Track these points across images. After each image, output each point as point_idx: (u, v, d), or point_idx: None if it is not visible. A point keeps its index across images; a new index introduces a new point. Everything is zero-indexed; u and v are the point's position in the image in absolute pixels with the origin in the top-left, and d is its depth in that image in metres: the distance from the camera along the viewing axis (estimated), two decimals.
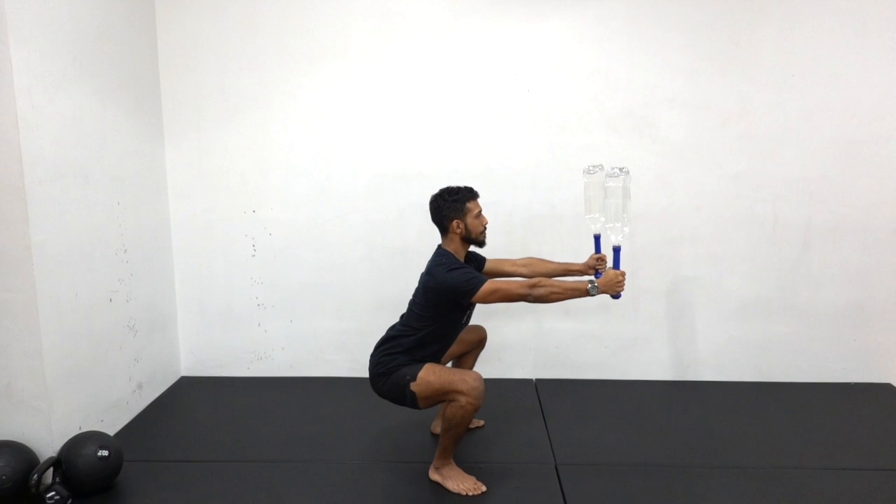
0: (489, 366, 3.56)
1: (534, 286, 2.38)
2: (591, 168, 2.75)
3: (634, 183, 3.39)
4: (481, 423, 3.02)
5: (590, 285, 2.40)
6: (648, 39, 3.31)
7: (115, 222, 2.98)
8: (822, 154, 3.36)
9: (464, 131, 3.40)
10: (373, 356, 2.59)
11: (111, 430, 2.89)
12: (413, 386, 2.42)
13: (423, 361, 2.50)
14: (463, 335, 2.81)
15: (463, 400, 2.36)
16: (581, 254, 3.47)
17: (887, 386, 3.48)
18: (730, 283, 3.49)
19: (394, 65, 3.36)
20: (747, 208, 3.42)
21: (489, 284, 2.38)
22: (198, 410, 3.27)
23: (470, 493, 2.44)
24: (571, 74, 3.36)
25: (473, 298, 2.40)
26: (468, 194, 2.55)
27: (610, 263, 2.57)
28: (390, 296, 3.50)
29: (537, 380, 3.56)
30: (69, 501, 2.38)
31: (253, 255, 3.53)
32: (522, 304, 3.46)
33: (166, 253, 3.48)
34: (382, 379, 2.52)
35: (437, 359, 2.59)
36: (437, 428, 2.88)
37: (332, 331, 3.59)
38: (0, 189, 2.38)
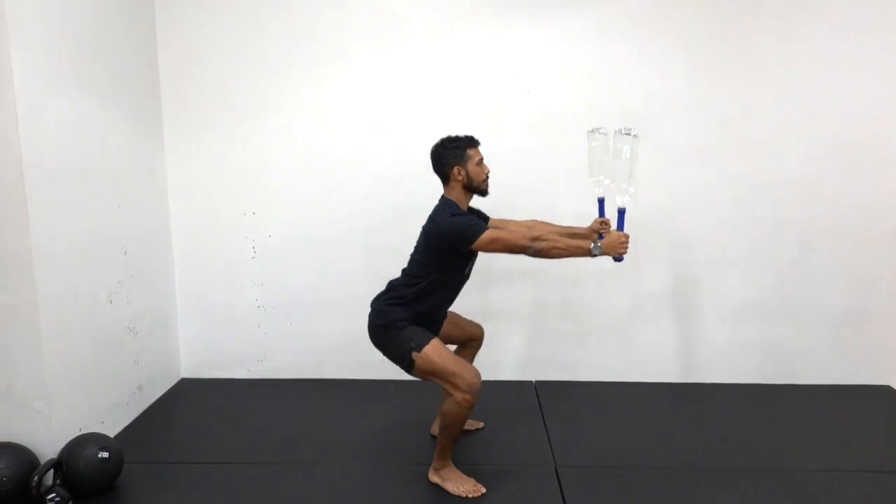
0: (489, 367, 3.54)
1: (536, 239, 2.36)
2: (595, 130, 2.70)
3: (635, 185, 3.41)
4: (481, 424, 3.02)
5: (592, 245, 2.39)
6: (649, 42, 3.31)
7: (116, 224, 2.98)
8: (821, 156, 3.37)
9: (464, 134, 3.39)
10: (373, 304, 2.58)
11: (111, 432, 2.89)
12: (415, 355, 2.42)
13: (423, 314, 2.49)
14: (463, 322, 2.81)
15: (458, 396, 2.37)
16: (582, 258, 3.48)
17: (887, 388, 3.48)
18: (730, 285, 3.49)
19: (394, 67, 3.36)
20: (747, 210, 3.42)
21: (491, 233, 2.37)
22: (198, 412, 3.26)
23: (470, 495, 2.44)
24: (572, 77, 3.36)
25: (474, 245, 2.37)
26: (469, 142, 2.53)
27: (614, 226, 2.54)
28: None
29: (537, 381, 3.56)
30: (69, 503, 2.38)
31: (253, 257, 3.53)
32: (522, 303, 3.51)
33: (166, 254, 3.48)
34: (383, 331, 2.52)
35: (438, 311, 2.58)
36: (436, 429, 2.88)
37: (332, 333, 3.58)
38: (0, 190, 2.38)
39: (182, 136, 3.44)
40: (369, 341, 3.54)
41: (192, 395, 3.46)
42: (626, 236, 2.45)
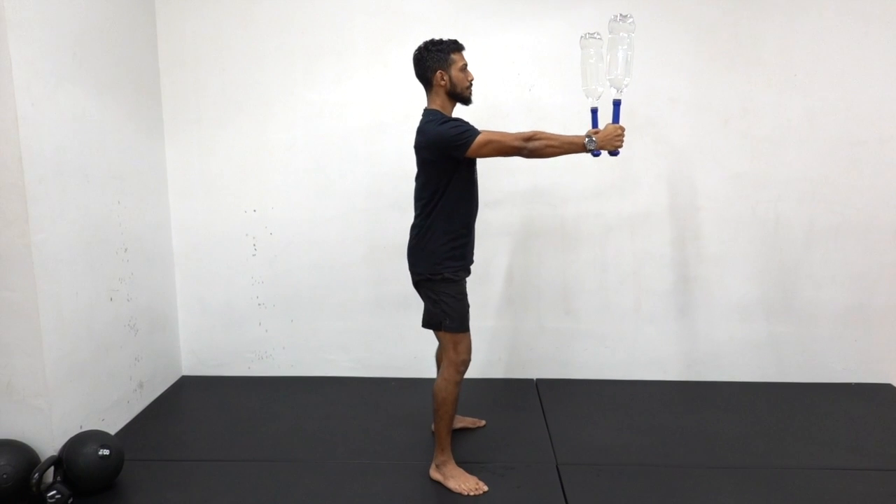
0: (490, 366, 3.56)
1: (529, 139, 2.31)
2: (589, 35, 2.58)
3: (636, 182, 3.41)
4: (482, 422, 3.02)
5: (587, 139, 2.33)
6: (651, 39, 3.30)
7: (116, 221, 2.97)
8: (824, 154, 3.36)
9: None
10: (411, 247, 2.53)
11: (112, 430, 2.89)
12: (446, 328, 2.44)
13: (456, 240, 2.44)
14: None
15: (447, 372, 2.44)
16: (583, 252, 3.48)
17: (888, 386, 3.48)
18: (731, 283, 3.48)
19: (394, 63, 3.35)
20: (749, 208, 3.42)
21: (483, 136, 2.30)
22: (198, 410, 3.26)
23: (471, 493, 2.44)
24: (573, 73, 3.33)
25: (468, 152, 2.31)
26: (453, 45, 2.45)
27: (609, 120, 2.46)
28: (391, 295, 3.50)
29: (538, 379, 3.56)
30: (70, 500, 2.38)
31: (253, 255, 3.53)
32: (524, 301, 3.50)
33: (167, 252, 3.47)
34: (426, 284, 2.48)
35: (468, 232, 2.50)
36: None
37: (333, 330, 3.58)
38: (0, 187, 2.37)
39: (182, 133, 3.43)
40: (370, 339, 3.57)
41: (192, 392, 3.45)
42: (622, 128, 2.38)
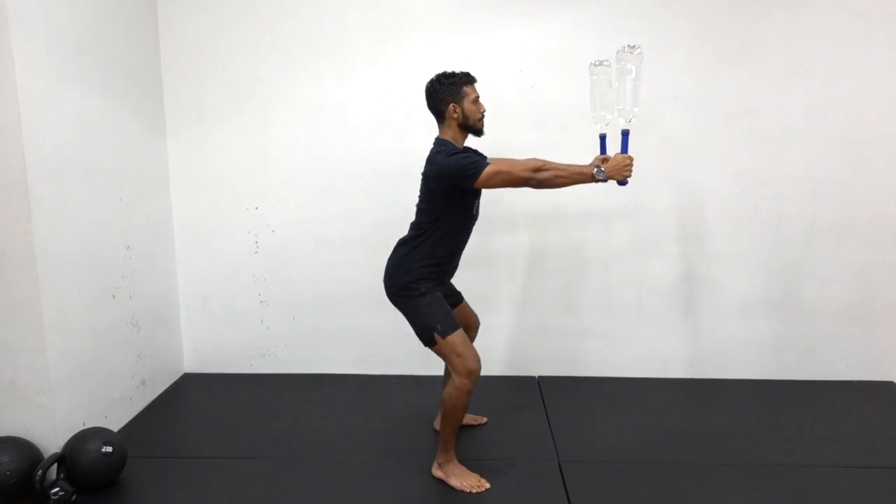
0: (492, 363, 3.55)
1: (538, 169, 2.32)
2: (598, 62, 2.58)
3: (638, 180, 3.38)
4: (484, 419, 3.02)
5: (595, 170, 2.34)
6: (653, 36, 3.29)
7: (118, 219, 2.97)
8: (826, 152, 3.35)
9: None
10: (391, 263, 2.56)
11: (115, 427, 2.89)
12: (438, 337, 2.43)
13: (439, 264, 2.46)
14: (467, 308, 2.80)
15: (457, 381, 2.40)
16: (586, 250, 3.48)
17: (890, 384, 3.48)
18: (733, 281, 3.48)
19: (397, 60, 3.35)
20: (751, 206, 3.41)
21: (492, 167, 2.30)
22: (201, 407, 3.27)
23: (473, 491, 2.44)
24: (576, 70, 3.34)
25: (476, 183, 2.32)
26: (465, 78, 2.46)
27: (618, 149, 2.46)
28: None
29: (540, 377, 3.56)
30: (73, 497, 2.38)
31: (256, 252, 3.53)
32: (526, 298, 3.50)
33: (169, 249, 3.48)
34: (398, 295, 2.51)
35: (452, 260, 2.53)
36: (438, 424, 2.88)
37: (335, 328, 3.58)
38: (2, 185, 2.37)
39: (184, 130, 3.43)
40: (372, 336, 3.58)
41: (195, 390, 3.46)
42: (631, 159, 2.39)
